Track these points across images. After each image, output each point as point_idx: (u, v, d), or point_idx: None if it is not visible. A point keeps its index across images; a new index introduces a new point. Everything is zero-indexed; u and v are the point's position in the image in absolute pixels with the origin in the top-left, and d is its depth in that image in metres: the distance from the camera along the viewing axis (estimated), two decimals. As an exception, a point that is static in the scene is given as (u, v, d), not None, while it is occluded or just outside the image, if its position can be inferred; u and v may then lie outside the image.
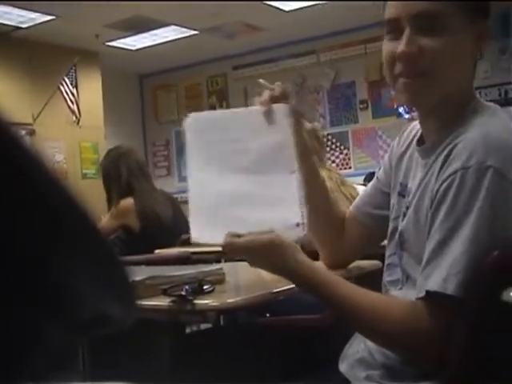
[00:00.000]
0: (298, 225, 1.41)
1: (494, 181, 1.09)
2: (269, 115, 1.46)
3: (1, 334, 0.35)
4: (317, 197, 1.58)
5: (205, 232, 1.46)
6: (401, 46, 1.23)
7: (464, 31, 1.23)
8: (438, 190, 1.16)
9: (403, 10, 1.23)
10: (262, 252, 1.31)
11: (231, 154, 1.50)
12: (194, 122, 1.59)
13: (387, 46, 1.28)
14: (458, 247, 1.10)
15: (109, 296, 0.41)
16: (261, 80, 1.54)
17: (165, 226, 3.52)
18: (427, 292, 1.13)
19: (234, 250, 1.36)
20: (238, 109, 1.59)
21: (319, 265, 1.32)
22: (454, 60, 1.24)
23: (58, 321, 0.38)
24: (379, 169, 1.57)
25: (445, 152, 1.18)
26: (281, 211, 1.42)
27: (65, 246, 0.38)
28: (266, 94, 1.48)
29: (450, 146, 1.17)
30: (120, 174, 3.58)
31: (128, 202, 3.54)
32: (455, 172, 1.12)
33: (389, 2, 1.27)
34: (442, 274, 1.10)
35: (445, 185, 1.14)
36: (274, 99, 1.47)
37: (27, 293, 0.36)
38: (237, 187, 1.47)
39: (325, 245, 1.63)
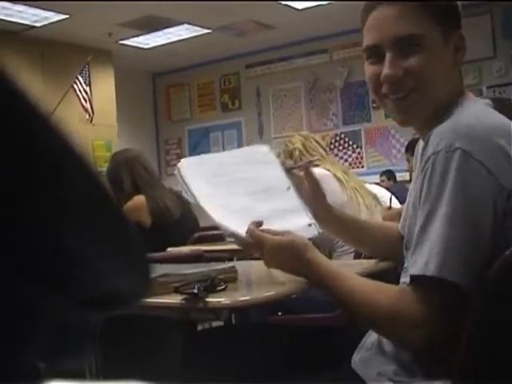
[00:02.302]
0: (310, 225, 1.53)
1: (462, 160, 1.11)
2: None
3: (7, 307, 0.35)
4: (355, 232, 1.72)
5: (229, 220, 1.48)
6: (385, 70, 1.30)
7: (441, 45, 1.30)
8: (418, 184, 1.21)
9: (382, 36, 1.31)
10: (283, 251, 1.37)
11: (234, 182, 1.61)
12: (187, 164, 1.65)
13: (370, 70, 1.36)
14: (435, 229, 1.12)
15: (123, 271, 0.41)
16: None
17: (175, 222, 3.53)
18: (411, 277, 1.15)
19: (254, 238, 1.40)
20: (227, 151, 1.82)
21: (327, 260, 1.38)
22: (437, 73, 1.30)
23: (67, 296, 0.38)
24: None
25: None
26: (290, 219, 1.54)
27: (78, 219, 0.37)
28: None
29: (426, 140, 1.21)
30: (123, 179, 3.58)
31: (140, 198, 3.53)
32: (428, 159, 1.16)
33: (366, 30, 1.37)
34: (424, 258, 1.13)
35: (422, 175, 1.18)
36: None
37: (36, 266, 0.36)
38: (247, 205, 1.54)
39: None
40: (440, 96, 1.30)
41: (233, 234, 1.47)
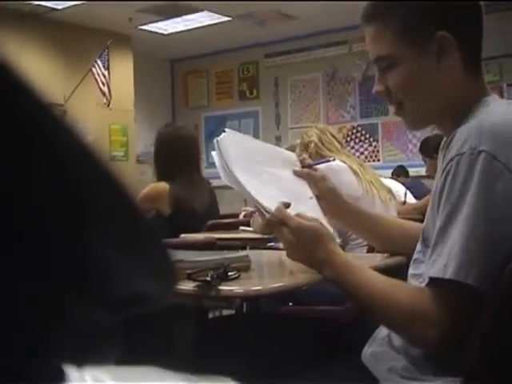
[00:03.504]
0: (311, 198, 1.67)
1: (486, 163, 1.11)
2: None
3: (24, 309, 0.34)
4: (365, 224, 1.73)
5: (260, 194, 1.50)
6: (374, 86, 1.41)
7: (415, 57, 1.31)
8: (439, 181, 1.21)
9: (370, 56, 1.39)
10: (306, 235, 1.37)
11: (265, 173, 1.63)
12: (230, 135, 1.67)
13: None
14: (456, 231, 1.12)
15: (145, 272, 0.39)
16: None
17: (197, 216, 3.42)
18: (430, 279, 1.16)
19: (281, 214, 1.40)
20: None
21: (345, 253, 1.40)
22: (420, 83, 1.32)
23: (85, 298, 0.37)
24: None
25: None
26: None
27: (94, 216, 0.36)
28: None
29: (450, 138, 1.21)
30: (174, 151, 3.48)
31: (162, 185, 3.44)
32: (451, 160, 1.16)
33: None
34: (443, 260, 1.13)
35: (444, 174, 1.17)
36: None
37: (51, 266, 0.35)
38: (274, 196, 1.54)
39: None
40: (440, 101, 1.32)
41: (261, 208, 1.47)
